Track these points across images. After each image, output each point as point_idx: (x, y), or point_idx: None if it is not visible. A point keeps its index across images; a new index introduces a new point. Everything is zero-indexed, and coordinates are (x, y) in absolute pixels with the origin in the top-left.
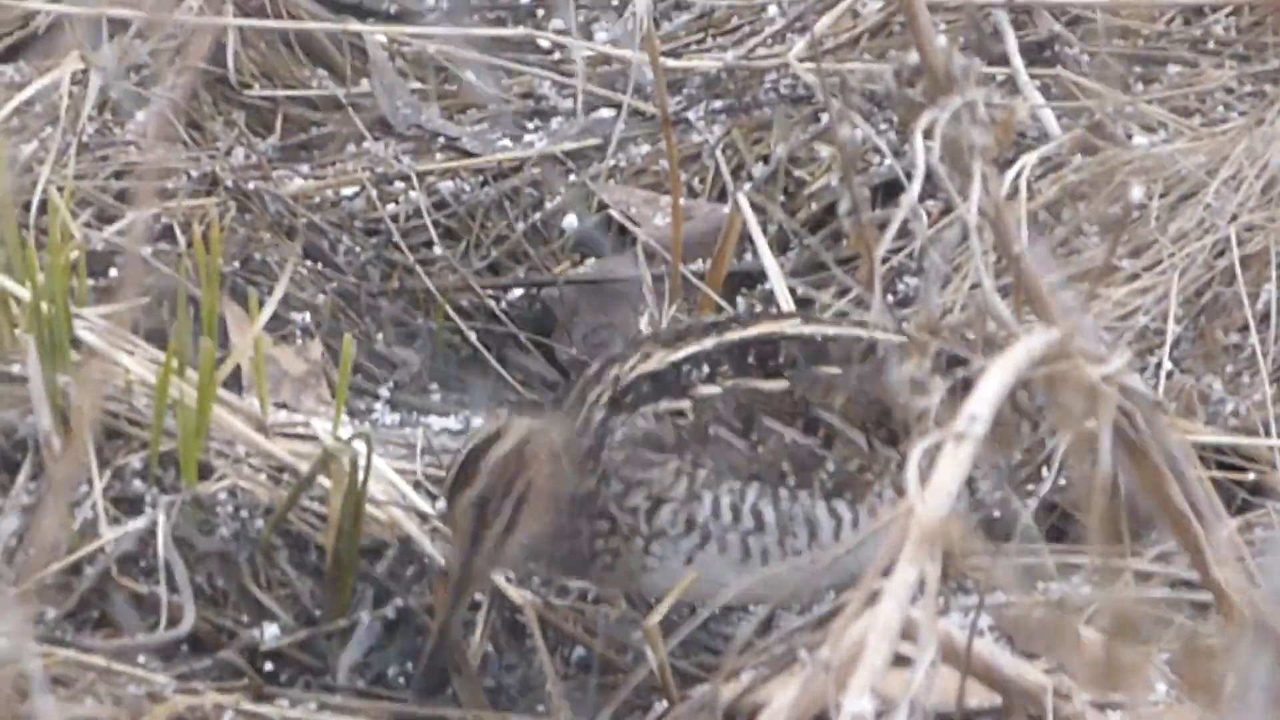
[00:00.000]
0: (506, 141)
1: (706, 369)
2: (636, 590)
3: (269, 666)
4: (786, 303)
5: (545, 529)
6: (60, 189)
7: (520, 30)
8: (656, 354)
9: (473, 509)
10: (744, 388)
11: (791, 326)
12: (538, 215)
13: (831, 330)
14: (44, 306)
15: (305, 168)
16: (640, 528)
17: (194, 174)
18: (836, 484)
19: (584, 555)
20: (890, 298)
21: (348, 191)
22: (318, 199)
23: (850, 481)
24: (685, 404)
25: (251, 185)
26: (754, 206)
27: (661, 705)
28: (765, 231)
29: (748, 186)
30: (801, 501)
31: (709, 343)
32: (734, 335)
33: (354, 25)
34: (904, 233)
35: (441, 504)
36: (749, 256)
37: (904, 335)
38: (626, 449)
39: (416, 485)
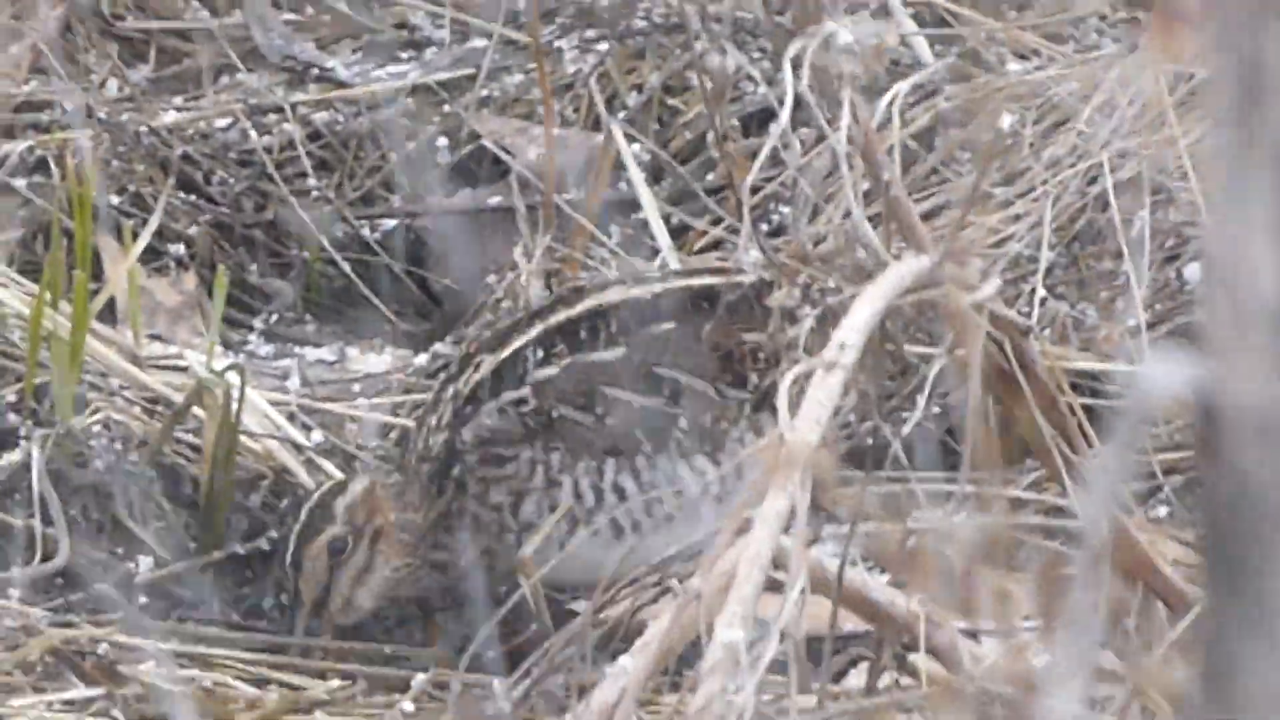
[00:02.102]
0: (380, 72)
1: (541, 353)
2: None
3: (143, 599)
4: (661, 232)
5: (405, 565)
6: None
7: None
8: (486, 360)
9: (328, 552)
10: (580, 363)
11: (617, 293)
12: (411, 145)
13: (659, 286)
14: None
15: (179, 99)
16: (508, 523)
17: (68, 107)
18: (694, 440)
19: (460, 569)
20: (764, 227)
21: (221, 123)
22: (191, 131)
23: (707, 434)
24: (525, 391)
25: (125, 117)
26: (628, 136)
27: (535, 633)
28: (639, 161)
29: (621, 116)
30: (661, 466)
31: (535, 331)
32: (560, 317)
33: None
34: (779, 161)
35: (289, 553)
36: (623, 186)
37: (732, 273)
38: (478, 450)
39: (291, 416)
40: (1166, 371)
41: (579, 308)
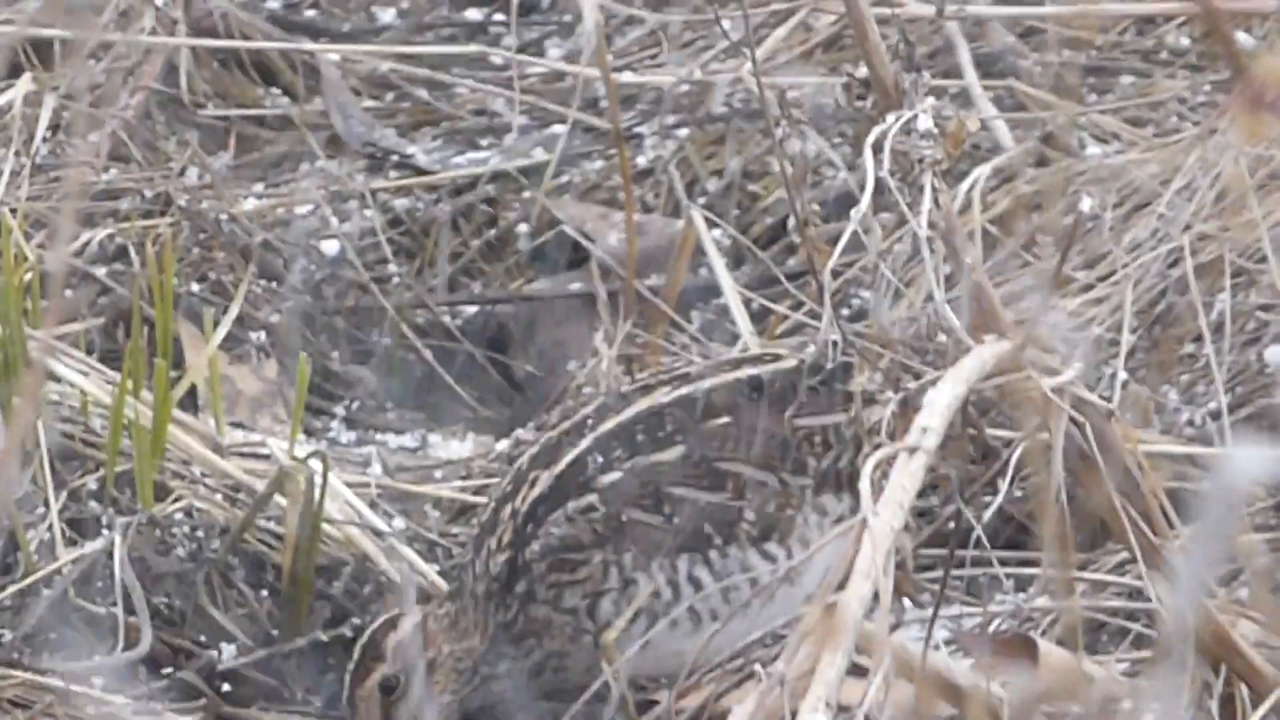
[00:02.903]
0: (460, 158)
1: (601, 459)
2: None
3: (226, 686)
4: (741, 317)
5: (466, 688)
6: (13, 210)
7: (473, 47)
8: (541, 477)
9: (380, 691)
10: (642, 465)
11: (666, 394)
12: (492, 232)
13: (709, 382)
14: None
15: (259, 187)
16: (584, 624)
17: (148, 194)
18: (762, 529)
19: (530, 673)
20: (845, 311)
21: (301, 210)
22: (271, 218)
23: (773, 522)
24: (592, 498)
25: (205, 205)
26: (708, 221)
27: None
28: (719, 246)
29: (701, 201)
30: (733, 556)
31: (586, 441)
32: (611, 423)
33: (307, 44)
34: (859, 246)
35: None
36: (704, 271)
37: (772, 360)
38: (547, 559)
39: (372, 504)
40: (1250, 456)
41: (630, 412)
